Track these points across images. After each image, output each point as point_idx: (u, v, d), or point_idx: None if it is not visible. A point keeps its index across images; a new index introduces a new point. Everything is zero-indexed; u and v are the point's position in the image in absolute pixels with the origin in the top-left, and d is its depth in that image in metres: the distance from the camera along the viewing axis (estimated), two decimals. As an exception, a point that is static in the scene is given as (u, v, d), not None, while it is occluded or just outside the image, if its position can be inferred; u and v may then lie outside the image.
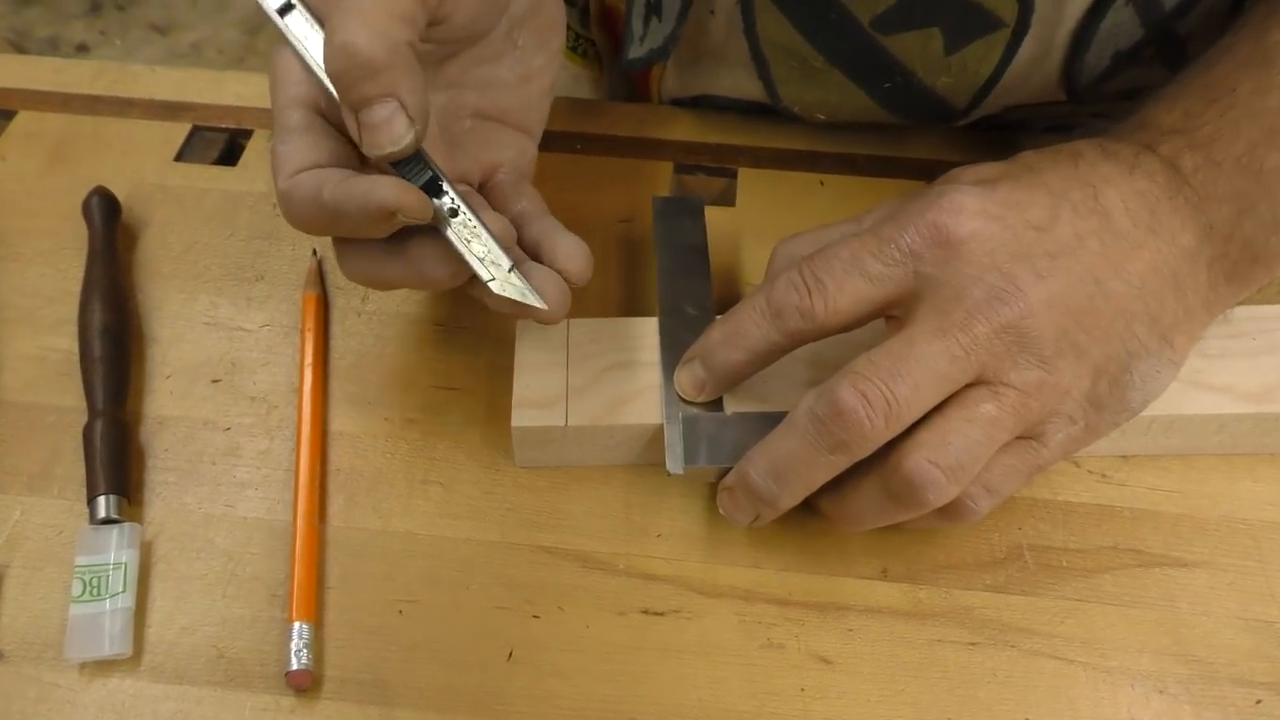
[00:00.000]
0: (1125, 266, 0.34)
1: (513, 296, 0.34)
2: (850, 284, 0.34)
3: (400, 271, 0.35)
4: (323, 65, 0.33)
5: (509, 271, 0.34)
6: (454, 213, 0.34)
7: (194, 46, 1.72)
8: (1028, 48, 0.43)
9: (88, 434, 0.38)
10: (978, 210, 0.34)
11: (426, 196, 0.33)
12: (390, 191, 0.32)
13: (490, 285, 0.34)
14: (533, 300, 0.35)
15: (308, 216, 0.34)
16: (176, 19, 1.77)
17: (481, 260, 0.34)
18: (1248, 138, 0.35)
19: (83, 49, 1.69)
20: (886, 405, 0.32)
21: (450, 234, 0.34)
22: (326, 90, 0.34)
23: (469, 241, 0.34)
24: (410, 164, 0.34)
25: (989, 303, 0.33)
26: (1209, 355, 0.39)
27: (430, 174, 0.34)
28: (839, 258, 0.35)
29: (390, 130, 0.32)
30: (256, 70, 0.52)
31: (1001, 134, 0.51)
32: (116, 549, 0.36)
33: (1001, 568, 0.37)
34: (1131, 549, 0.38)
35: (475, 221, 0.34)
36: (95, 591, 0.35)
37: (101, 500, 0.37)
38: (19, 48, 1.64)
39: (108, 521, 0.36)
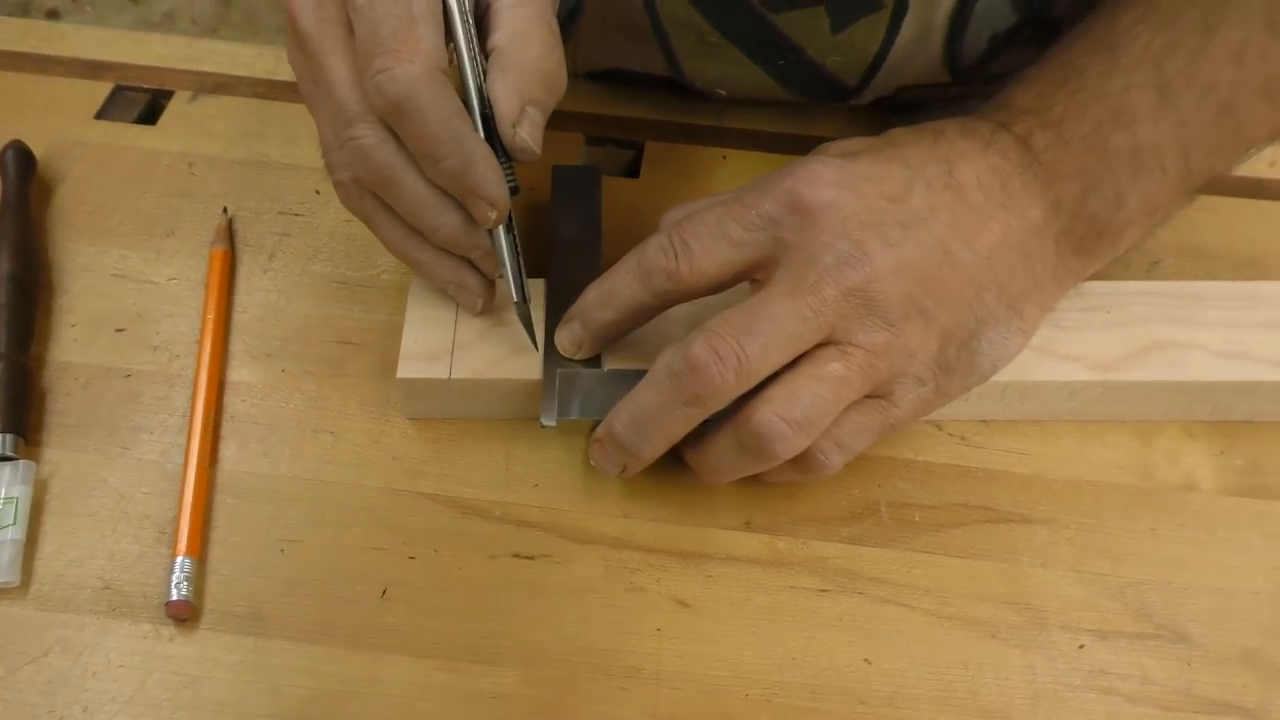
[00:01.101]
0: (975, 238, 0.36)
1: (523, 324, 0.39)
2: (714, 248, 0.36)
3: (440, 258, 0.38)
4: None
5: (526, 304, 0.39)
6: (509, 228, 0.38)
7: (167, 15, 1.72)
8: (909, 28, 0.45)
9: (-12, 376, 0.40)
10: (833, 180, 0.36)
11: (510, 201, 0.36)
12: (498, 188, 0.35)
13: (517, 305, 0.39)
14: (531, 337, 0.39)
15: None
16: (150, -13, 1.76)
17: (514, 278, 0.38)
18: (1094, 118, 0.37)
19: (53, 15, 1.68)
20: (737, 361, 0.34)
21: (505, 244, 0.37)
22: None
23: (511, 258, 0.38)
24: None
25: (838, 267, 0.35)
26: (1064, 326, 0.41)
27: (514, 184, 0.37)
28: (705, 223, 0.36)
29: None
30: (225, 39, 0.53)
31: (901, 116, 0.53)
32: (9, 484, 0.37)
33: (859, 521, 0.39)
34: (982, 506, 0.40)
35: (518, 247, 0.38)
36: None
37: (8, 438, 0.38)
38: (-12, 13, 1.63)
39: (2, 459, 0.38)
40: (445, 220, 0.37)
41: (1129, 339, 0.41)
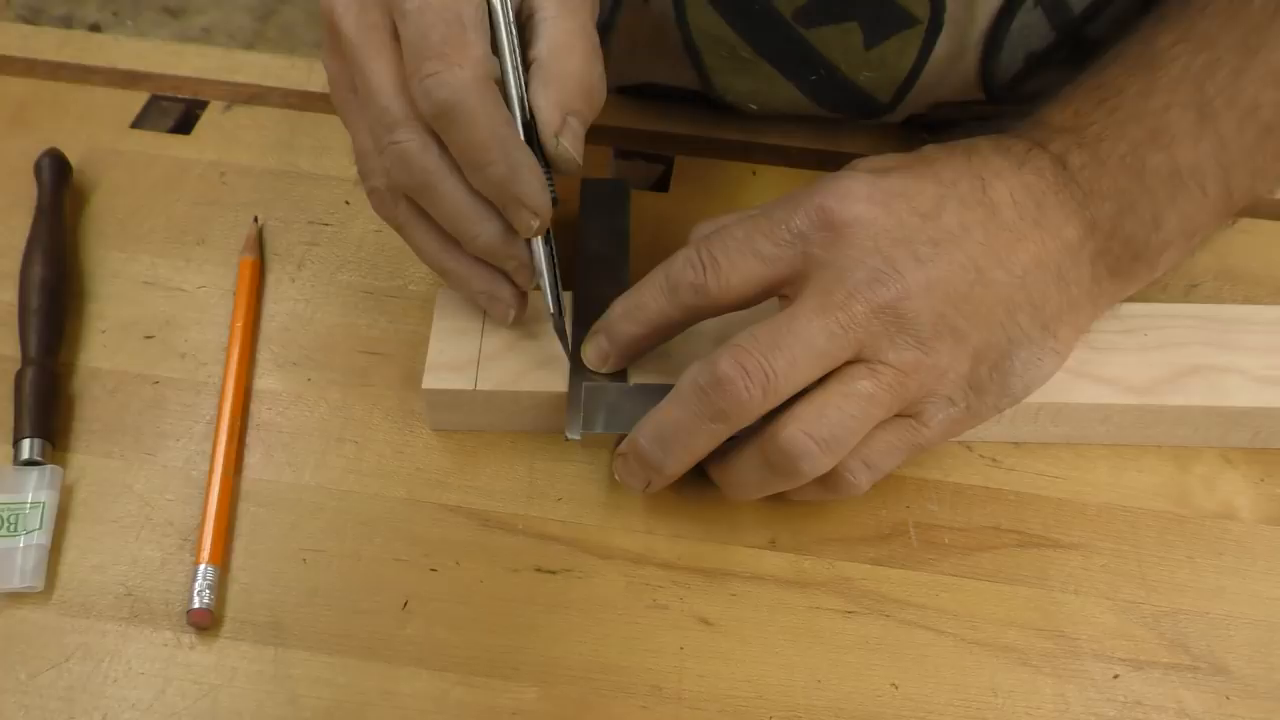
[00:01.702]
0: (1008, 257, 0.36)
1: (558, 335, 0.39)
2: (743, 263, 0.36)
3: (474, 267, 0.38)
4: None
5: (561, 316, 0.39)
6: (547, 239, 0.38)
7: (205, 30, 1.74)
8: (943, 45, 0.45)
9: (18, 381, 0.40)
10: (864, 196, 0.35)
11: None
12: (542, 197, 0.36)
13: (554, 317, 0.39)
14: (565, 348, 0.39)
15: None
16: (189, 2, 1.79)
17: (550, 290, 0.38)
18: (1132, 138, 0.37)
19: (95, 28, 1.71)
20: (765, 377, 0.34)
21: (543, 255, 0.37)
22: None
23: (549, 270, 0.38)
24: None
25: (868, 284, 0.34)
26: (1099, 348, 0.40)
27: (554, 194, 0.37)
28: (734, 237, 0.36)
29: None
30: (263, 51, 0.54)
31: (934, 134, 0.52)
32: (35, 489, 0.37)
33: (886, 542, 0.39)
34: (1013, 530, 0.39)
35: (555, 259, 0.38)
36: (11, 528, 0.36)
37: (25, 443, 0.38)
38: (32, 25, 1.67)
39: (30, 463, 0.38)
40: (485, 229, 0.37)
41: (1166, 362, 0.40)
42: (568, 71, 0.36)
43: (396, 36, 0.35)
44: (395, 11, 0.35)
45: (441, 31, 0.34)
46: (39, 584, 0.36)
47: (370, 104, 0.36)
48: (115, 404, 0.41)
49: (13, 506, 0.37)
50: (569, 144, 0.36)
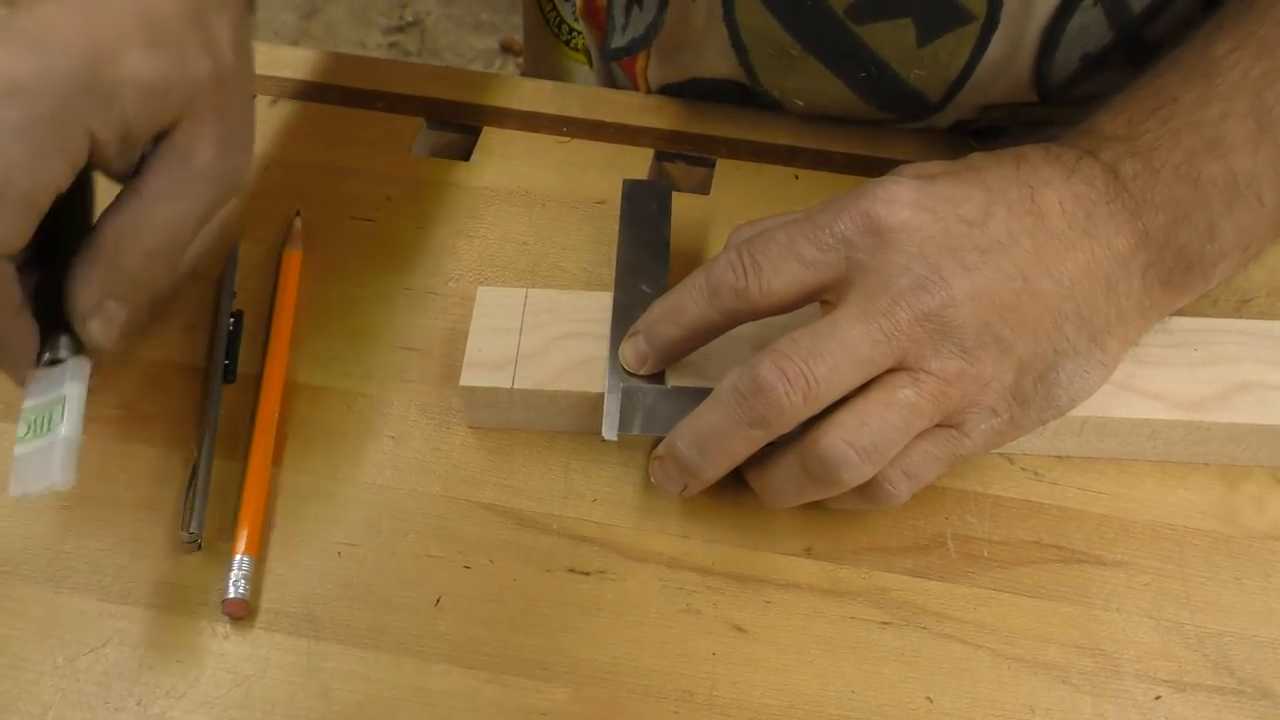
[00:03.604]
0: (1057, 266, 0.35)
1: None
2: (785, 267, 0.35)
3: None
4: None
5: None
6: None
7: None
8: (998, 44, 0.44)
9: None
10: (910, 201, 0.35)
11: None
12: (18, 371, 0.35)
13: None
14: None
15: None
16: (234, 1, 1.81)
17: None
18: (1187, 146, 0.36)
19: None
20: (805, 383, 0.33)
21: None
22: None
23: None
24: None
25: (913, 291, 0.34)
26: (1147, 362, 0.39)
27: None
28: (776, 241, 0.36)
29: None
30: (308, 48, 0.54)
31: (980, 141, 0.51)
32: (55, 385, 0.35)
33: (923, 553, 0.38)
34: (1054, 545, 0.38)
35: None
36: (41, 429, 0.34)
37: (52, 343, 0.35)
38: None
39: (54, 363, 0.35)
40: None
41: (1216, 378, 0.39)
42: (123, 250, 0.35)
43: None
44: None
45: None
46: (67, 480, 0.33)
47: None
48: (157, 392, 0.42)
49: (41, 408, 0.35)
50: (97, 329, 0.35)
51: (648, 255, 0.43)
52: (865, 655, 0.36)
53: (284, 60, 0.54)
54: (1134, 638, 0.36)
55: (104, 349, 0.36)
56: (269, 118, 0.52)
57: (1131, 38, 0.44)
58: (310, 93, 0.53)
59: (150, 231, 0.35)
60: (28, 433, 0.34)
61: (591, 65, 0.59)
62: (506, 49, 1.65)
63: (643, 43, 0.48)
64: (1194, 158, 0.36)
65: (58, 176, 0.33)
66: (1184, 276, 0.37)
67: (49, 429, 0.34)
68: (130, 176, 0.36)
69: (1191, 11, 0.44)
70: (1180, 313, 0.39)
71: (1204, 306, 0.41)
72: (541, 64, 0.65)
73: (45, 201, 0.33)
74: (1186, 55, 0.38)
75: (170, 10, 0.35)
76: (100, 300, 0.35)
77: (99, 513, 0.38)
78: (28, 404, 0.35)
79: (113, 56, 0.34)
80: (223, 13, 0.37)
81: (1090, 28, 0.44)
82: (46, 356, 0.36)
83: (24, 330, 0.35)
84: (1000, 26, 0.44)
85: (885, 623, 0.36)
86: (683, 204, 0.48)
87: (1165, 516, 0.39)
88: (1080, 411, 0.38)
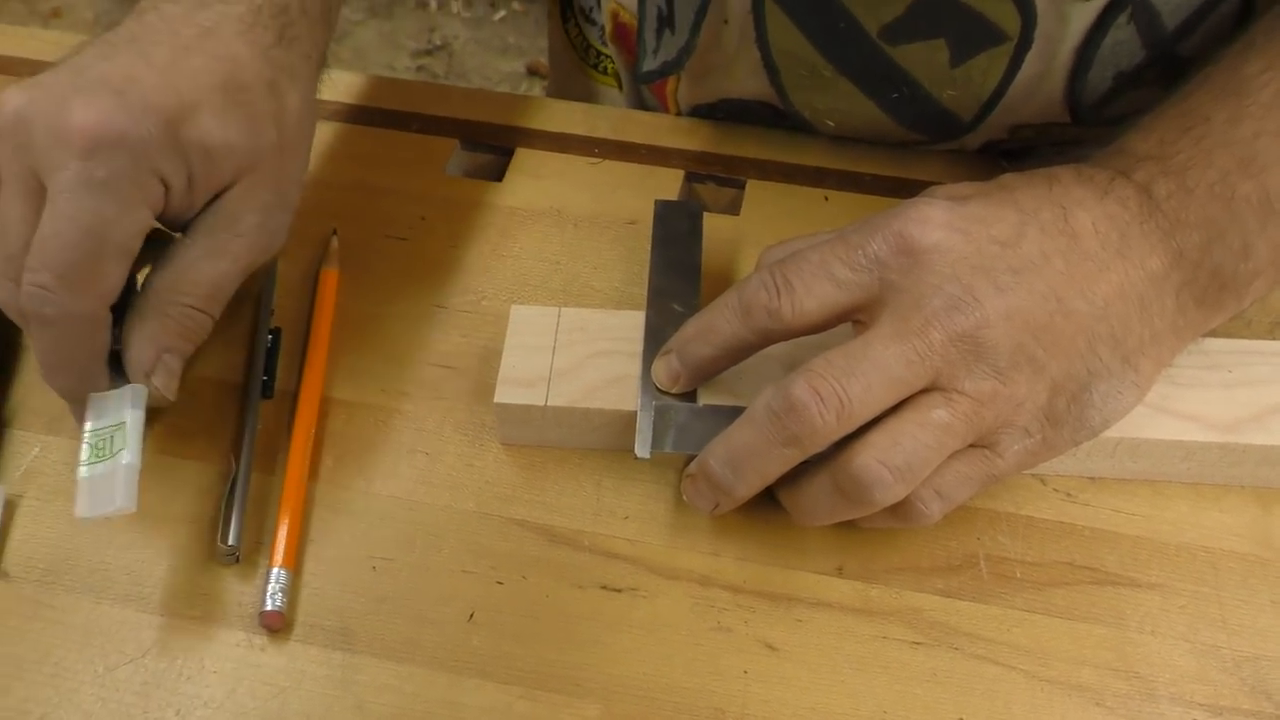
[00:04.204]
0: (1090, 287, 0.35)
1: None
2: (818, 287, 0.36)
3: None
4: None
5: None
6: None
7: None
8: (1031, 63, 0.45)
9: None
10: (943, 222, 0.35)
11: None
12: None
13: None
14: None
15: None
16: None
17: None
18: (1220, 165, 0.36)
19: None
20: (839, 403, 0.34)
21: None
22: None
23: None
24: None
25: (946, 311, 0.34)
26: (1180, 383, 0.39)
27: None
28: (809, 261, 0.36)
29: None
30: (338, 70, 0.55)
31: (1011, 161, 0.52)
32: (116, 411, 0.37)
33: (955, 574, 0.38)
34: (1087, 566, 0.38)
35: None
36: (103, 453, 0.36)
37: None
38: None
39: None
40: (59, 384, 0.38)
41: (1250, 400, 0.39)
42: (172, 305, 0.37)
43: (42, 187, 0.35)
44: (49, 185, 0.34)
45: (75, 253, 0.34)
46: (131, 505, 0.35)
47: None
48: (195, 407, 0.42)
49: (102, 432, 0.36)
50: (160, 382, 0.37)
51: (679, 275, 0.43)
52: (897, 675, 0.36)
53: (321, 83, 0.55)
54: (1169, 661, 0.36)
55: (167, 400, 0.38)
56: (306, 138, 0.53)
57: (1165, 54, 0.44)
58: (346, 114, 0.54)
59: (195, 288, 0.38)
60: (91, 456, 0.36)
61: (621, 88, 0.59)
62: (533, 72, 1.67)
63: (675, 65, 0.49)
64: (1227, 177, 0.36)
65: (144, 224, 0.36)
66: (1218, 295, 0.37)
67: (111, 453, 0.36)
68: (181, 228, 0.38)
69: (1224, 27, 0.44)
70: (1214, 333, 0.39)
71: (1238, 327, 0.41)
72: (567, 87, 0.66)
73: (137, 248, 0.36)
74: (1217, 74, 0.38)
75: (250, 77, 0.38)
76: (158, 355, 0.37)
77: (139, 525, 0.39)
78: (88, 427, 0.37)
79: (190, 116, 0.36)
80: (296, 82, 0.39)
81: (1124, 45, 0.44)
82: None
83: (104, 373, 0.37)
84: (1034, 46, 0.44)
85: (917, 643, 0.36)
86: (713, 225, 0.48)
87: (1200, 539, 0.39)
88: (1114, 433, 0.38)
